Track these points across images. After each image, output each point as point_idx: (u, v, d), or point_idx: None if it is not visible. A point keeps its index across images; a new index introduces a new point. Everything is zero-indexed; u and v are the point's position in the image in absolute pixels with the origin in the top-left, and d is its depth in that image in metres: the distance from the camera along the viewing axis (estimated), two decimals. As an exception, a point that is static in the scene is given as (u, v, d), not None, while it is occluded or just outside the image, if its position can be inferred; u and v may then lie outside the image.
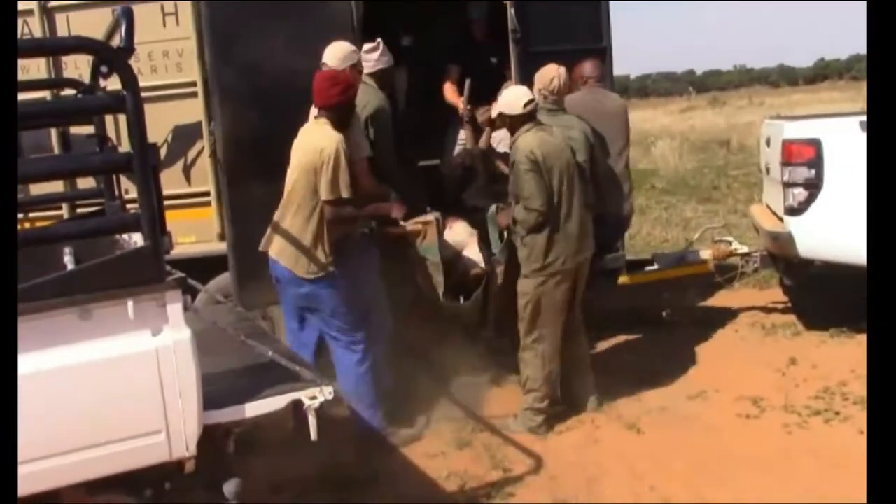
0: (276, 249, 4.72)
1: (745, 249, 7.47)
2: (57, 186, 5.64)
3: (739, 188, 13.48)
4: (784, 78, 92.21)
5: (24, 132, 5.24)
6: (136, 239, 3.24)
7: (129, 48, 2.91)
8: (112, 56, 2.83)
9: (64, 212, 5.99)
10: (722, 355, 6.13)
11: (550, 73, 5.30)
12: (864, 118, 5.77)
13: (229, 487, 3.04)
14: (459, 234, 5.46)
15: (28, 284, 2.62)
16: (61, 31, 5.95)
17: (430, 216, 5.27)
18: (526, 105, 5.00)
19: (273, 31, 5.24)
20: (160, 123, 5.70)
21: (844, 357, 5.73)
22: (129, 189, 4.95)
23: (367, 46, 5.29)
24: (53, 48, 4.37)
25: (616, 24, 6.15)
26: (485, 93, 6.17)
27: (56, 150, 5.72)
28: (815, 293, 6.74)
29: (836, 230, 5.90)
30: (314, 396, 3.16)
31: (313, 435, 3.19)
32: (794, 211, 6.07)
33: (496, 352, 5.66)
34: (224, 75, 5.27)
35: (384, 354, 5.09)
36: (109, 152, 4.33)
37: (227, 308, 4.61)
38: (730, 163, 17.03)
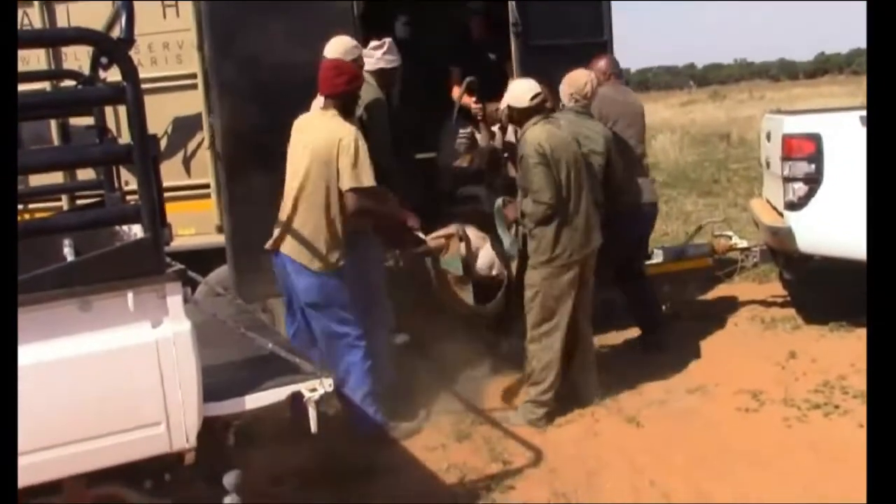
0: (285, 243, 4.69)
1: (744, 244, 7.49)
2: (56, 178, 5.65)
3: (739, 182, 13.48)
4: (784, 72, 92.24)
5: (23, 123, 5.25)
6: (136, 231, 3.24)
7: (129, 39, 2.91)
8: (112, 47, 2.82)
9: (63, 203, 5.99)
10: (722, 349, 6.13)
11: (583, 78, 5.41)
12: (864, 113, 5.77)
13: (229, 479, 3.05)
14: (472, 240, 5.45)
15: (28, 276, 2.62)
16: (61, 23, 5.94)
17: (452, 228, 5.25)
18: (532, 98, 5.02)
19: (272, 25, 5.23)
20: (160, 115, 5.70)
21: (844, 351, 5.73)
22: (128, 181, 4.97)
23: (373, 43, 5.27)
24: (53, 39, 4.36)
25: (617, 20, 6.15)
26: (485, 90, 6.17)
27: (56, 142, 5.73)
28: (814, 287, 6.74)
29: (835, 225, 5.89)
30: (314, 389, 3.16)
31: (313, 427, 3.20)
32: (793, 206, 6.07)
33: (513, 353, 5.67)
34: (223, 69, 5.26)
35: (385, 348, 5.10)
36: (109, 144, 4.35)
37: (226, 300, 4.61)
38: (730, 156, 17.03)
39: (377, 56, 5.28)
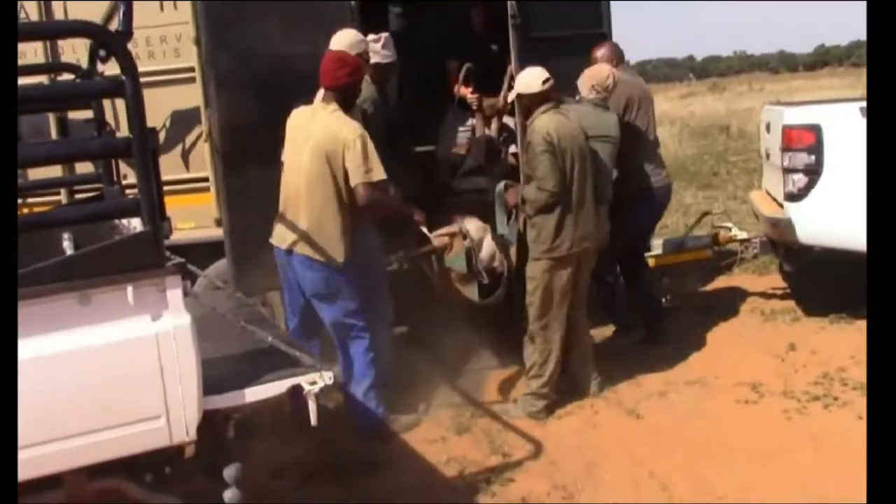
0: (290, 237, 4.68)
1: (744, 235, 7.49)
2: (55, 172, 5.63)
3: (739, 174, 13.47)
4: (784, 64, 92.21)
5: (22, 117, 5.23)
6: (135, 224, 3.24)
7: (127, 32, 2.90)
8: (111, 40, 2.81)
9: (62, 197, 5.98)
10: (721, 341, 6.13)
11: (606, 71, 5.48)
12: (864, 104, 5.76)
13: (229, 472, 3.05)
14: (473, 233, 5.45)
15: (28, 269, 2.62)
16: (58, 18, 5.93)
17: (455, 227, 5.25)
18: (544, 83, 5.05)
19: (269, 16, 5.22)
20: (158, 109, 5.69)
21: (844, 343, 5.74)
22: (127, 174, 4.96)
23: (371, 37, 5.26)
24: (52, 32, 4.36)
25: (616, 12, 6.15)
26: (486, 82, 6.16)
27: (54, 135, 5.72)
28: (814, 279, 6.74)
29: (835, 216, 5.89)
30: (314, 382, 3.16)
31: (313, 420, 3.20)
32: (793, 197, 6.06)
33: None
34: (220, 63, 5.25)
35: (386, 341, 5.10)
36: (109, 137, 4.33)
37: (226, 293, 4.61)
38: (729, 149, 17.01)
39: (373, 50, 5.26)
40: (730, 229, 7.57)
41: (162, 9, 5.85)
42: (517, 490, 4.29)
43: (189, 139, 5.98)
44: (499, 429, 4.99)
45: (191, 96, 5.78)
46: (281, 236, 4.73)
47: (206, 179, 5.86)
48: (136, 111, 2.74)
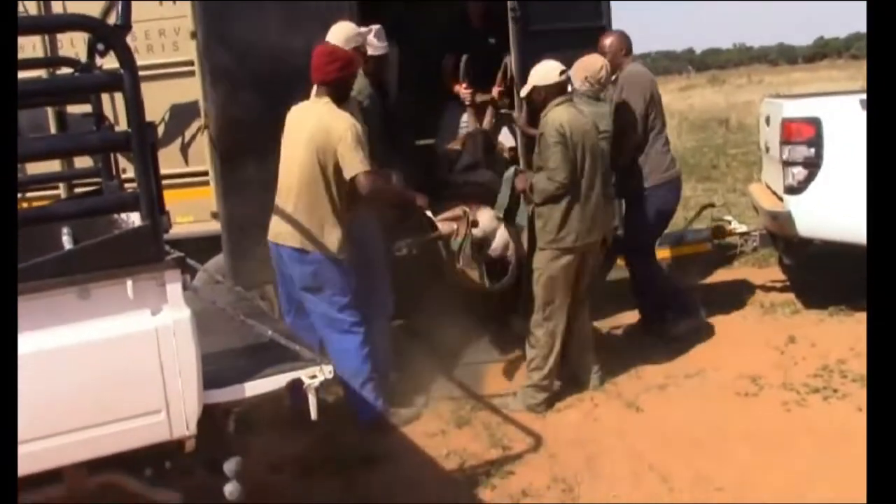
0: (281, 231, 4.68)
1: (744, 228, 7.49)
2: (53, 166, 5.63)
3: (738, 167, 13.45)
4: (783, 56, 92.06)
5: (20, 111, 5.22)
6: (134, 219, 3.23)
7: (126, 26, 2.90)
8: (109, 34, 2.81)
9: (61, 191, 5.98)
10: (721, 334, 6.13)
11: (599, 62, 5.46)
12: (863, 97, 5.75)
13: (229, 466, 3.05)
14: (486, 223, 5.46)
15: (28, 264, 2.62)
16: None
17: (459, 210, 5.23)
18: (560, 74, 5.11)
19: (266, 11, 5.23)
20: (157, 103, 5.67)
21: (843, 335, 5.75)
22: (126, 168, 4.96)
23: (373, 28, 5.25)
24: (50, 26, 4.35)
25: (615, 5, 6.15)
26: (484, 75, 6.16)
27: (53, 130, 5.71)
28: (814, 272, 6.74)
29: (835, 209, 5.89)
30: (314, 375, 3.16)
31: (313, 414, 3.20)
32: (793, 190, 6.06)
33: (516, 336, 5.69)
34: (216, 58, 5.26)
35: (386, 335, 5.10)
36: (107, 131, 4.33)
37: (226, 287, 4.60)
38: (729, 141, 16.99)
39: (376, 44, 5.24)
40: (729, 222, 7.57)
41: (160, 2, 5.83)
42: (517, 483, 4.30)
43: (188, 133, 5.97)
44: (499, 422, 4.99)
45: (190, 90, 5.77)
46: (275, 231, 4.73)
47: (205, 173, 5.85)
48: (135, 105, 2.73)
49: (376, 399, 4.86)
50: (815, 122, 5.95)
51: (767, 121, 6.79)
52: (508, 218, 5.39)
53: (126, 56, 2.72)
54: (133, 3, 2.95)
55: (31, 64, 5.22)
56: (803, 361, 5.49)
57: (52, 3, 5.92)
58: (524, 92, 5.29)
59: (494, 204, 5.45)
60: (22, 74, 3.73)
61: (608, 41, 5.90)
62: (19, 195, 5.60)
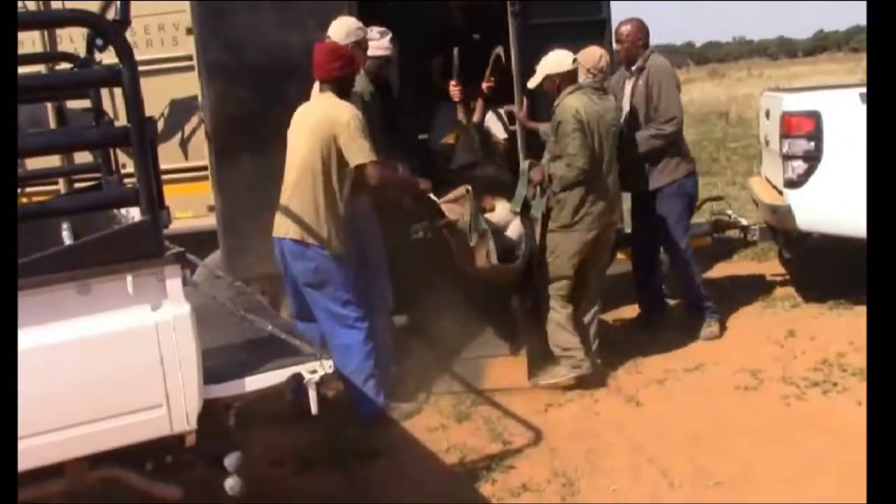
0: (282, 225, 4.69)
1: (744, 222, 7.48)
2: (52, 161, 5.63)
3: (738, 160, 13.44)
4: (783, 50, 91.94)
5: (20, 106, 5.22)
6: (134, 214, 3.23)
7: (125, 21, 2.89)
8: (108, 29, 2.81)
9: (61, 186, 5.98)
10: (719, 325, 6.12)
11: (598, 53, 5.44)
12: (863, 90, 5.75)
13: (230, 461, 3.05)
14: (500, 213, 5.47)
15: (28, 259, 2.62)
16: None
17: (462, 189, 5.23)
18: (574, 62, 5.22)
19: (262, 7, 5.25)
20: (156, 98, 5.67)
21: (843, 329, 5.75)
22: (125, 163, 4.96)
23: (375, 30, 5.24)
24: (49, 21, 4.35)
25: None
26: (472, 71, 6.18)
27: (52, 125, 5.70)
28: (813, 265, 6.74)
29: (835, 203, 5.89)
30: (314, 370, 3.16)
31: (313, 409, 3.20)
32: (793, 183, 6.05)
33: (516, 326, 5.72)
34: (212, 54, 5.27)
35: (385, 329, 5.10)
36: (107, 126, 4.33)
37: (226, 282, 4.61)
38: (728, 135, 16.97)
39: (375, 44, 5.22)
40: (729, 216, 7.56)
41: (159, -2, 5.83)
42: (518, 477, 4.30)
43: (188, 128, 5.97)
44: (499, 416, 4.99)
45: (189, 85, 5.76)
46: (276, 225, 4.74)
47: (204, 168, 5.84)
48: (135, 100, 2.73)
49: (378, 394, 4.87)
50: (815, 116, 5.94)
51: (767, 114, 6.79)
52: (524, 211, 5.43)
53: (125, 51, 2.72)
54: (132, -3, 2.95)
55: (31, 59, 5.21)
56: (803, 355, 5.49)
57: (53, 3, 5.93)
58: (534, 82, 5.32)
59: (507, 197, 5.47)
60: (21, 70, 3.74)
61: (625, 29, 5.90)
62: (19, 190, 5.60)
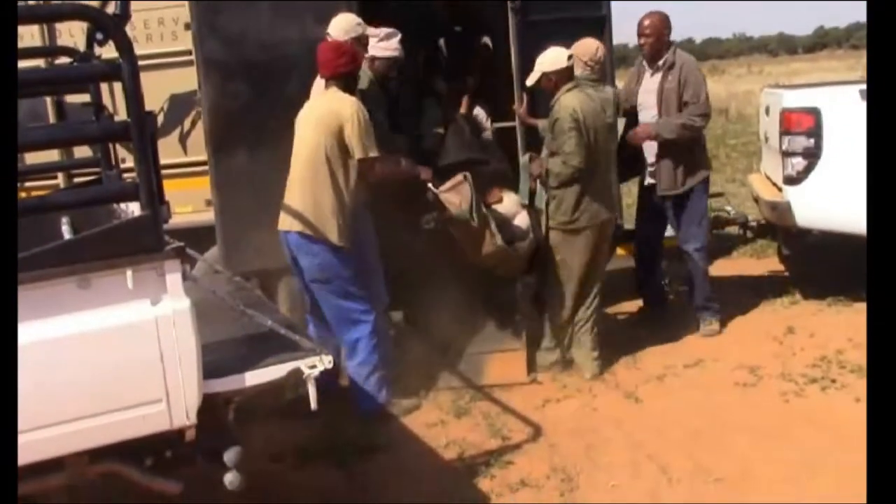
0: (287, 219, 4.72)
1: (743, 218, 7.47)
2: (51, 156, 5.63)
3: (738, 157, 13.44)
4: (783, 46, 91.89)
5: (19, 100, 5.22)
6: (134, 208, 3.23)
7: (125, 15, 2.89)
8: (108, 23, 2.80)
9: (60, 181, 5.97)
10: (719, 324, 6.13)
11: (594, 45, 5.46)
12: (863, 87, 5.74)
13: (230, 456, 3.05)
14: (507, 205, 5.47)
15: (28, 253, 2.62)
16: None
17: (459, 176, 5.22)
18: (569, 59, 5.24)
19: (261, 3, 5.26)
20: (156, 92, 5.67)
21: (841, 326, 5.76)
22: (125, 158, 4.96)
23: (384, 31, 5.23)
24: (49, 15, 4.34)
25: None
26: (457, 64, 6.20)
27: (52, 119, 5.70)
28: (813, 262, 6.74)
29: (834, 199, 5.89)
30: (314, 365, 3.16)
31: (313, 404, 3.20)
32: (792, 180, 6.06)
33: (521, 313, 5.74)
34: (210, 49, 5.28)
35: (383, 325, 5.11)
36: (107, 121, 4.32)
37: (225, 277, 4.61)
38: (728, 132, 16.96)
39: (383, 46, 5.20)
40: (728, 213, 7.56)
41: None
42: (516, 472, 4.31)
43: (187, 123, 5.97)
44: (498, 412, 5.00)
45: (188, 79, 5.76)
46: (282, 219, 4.77)
47: (204, 163, 5.84)
48: (135, 94, 2.73)
49: (380, 390, 4.89)
50: (815, 113, 5.94)
51: (767, 111, 6.79)
52: (530, 202, 5.48)
53: (125, 45, 2.71)
54: (132, -9, 2.95)
55: (30, 53, 5.21)
56: (802, 352, 5.50)
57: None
58: (532, 79, 5.33)
59: (510, 188, 5.53)
60: (21, 64, 3.73)
61: (650, 22, 5.84)
62: (18, 184, 5.59)
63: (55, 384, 2.66)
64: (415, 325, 5.87)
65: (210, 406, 2.98)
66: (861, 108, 5.39)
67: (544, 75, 5.26)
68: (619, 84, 6.35)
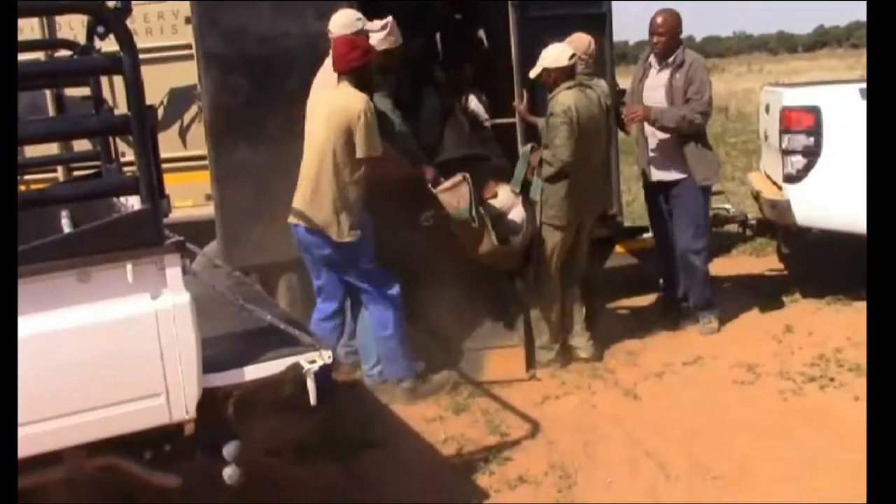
0: (296, 213, 4.77)
1: (742, 216, 7.47)
2: (50, 150, 5.61)
3: (738, 155, 13.44)
4: (783, 45, 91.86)
5: (19, 93, 5.21)
6: (133, 202, 3.23)
7: (126, 8, 2.88)
8: (109, 16, 2.80)
9: (59, 175, 5.97)
10: (718, 322, 6.13)
11: (586, 39, 5.51)
12: (863, 86, 5.74)
13: (229, 450, 3.05)
14: (503, 199, 5.48)
15: (28, 246, 2.62)
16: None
17: (458, 177, 5.23)
18: (570, 58, 5.28)
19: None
20: (156, 86, 5.66)
21: (840, 324, 5.75)
22: (125, 152, 4.95)
23: (378, 23, 5.23)
24: (50, 8, 4.33)
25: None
26: (456, 53, 6.19)
27: (51, 112, 5.69)
28: (812, 261, 6.74)
29: (834, 198, 5.89)
30: (313, 360, 3.16)
31: (312, 399, 3.20)
32: (792, 179, 6.05)
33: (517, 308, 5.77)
34: (210, 44, 5.28)
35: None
36: (108, 114, 4.32)
37: (225, 272, 4.61)
38: (728, 130, 16.95)
39: (381, 37, 5.20)
40: (728, 211, 7.56)
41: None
42: (515, 469, 4.31)
43: (187, 117, 5.97)
44: (497, 408, 5.00)
45: (189, 73, 5.75)
46: (291, 213, 4.82)
47: (204, 157, 5.83)
48: (135, 88, 2.73)
49: (410, 359, 5.09)
50: (815, 111, 5.94)
51: (767, 109, 6.78)
52: (524, 193, 5.48)
53: (126, 39, 2.71)
54: (133, -15, 2.93)
55: (30, 46, 5.20)
56: (800, 350, 5.50)
57: None
58: (534, 73, 5.37)
59: (508, 181, 5.52)
60: (21, 56, 3.73)
61: (662, 20, 5.79)
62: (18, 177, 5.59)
63: (55, 377, 2.67)
64: (415, 320, 5.86)
65: (209, 400, 2.98)
66: (861, 106, 5.39)
67: (545, 70, 5.30)
68: (620, 82, 6.35)
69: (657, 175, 5.93)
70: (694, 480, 4.11)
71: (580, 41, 5.46)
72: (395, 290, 4.97)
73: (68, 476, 2.96)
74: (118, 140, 4.72)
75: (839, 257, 6.05)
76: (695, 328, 6.04)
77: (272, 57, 5.27)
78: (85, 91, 4.43)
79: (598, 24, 5.87)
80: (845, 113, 5.79)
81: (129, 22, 2.86)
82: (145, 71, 2.83)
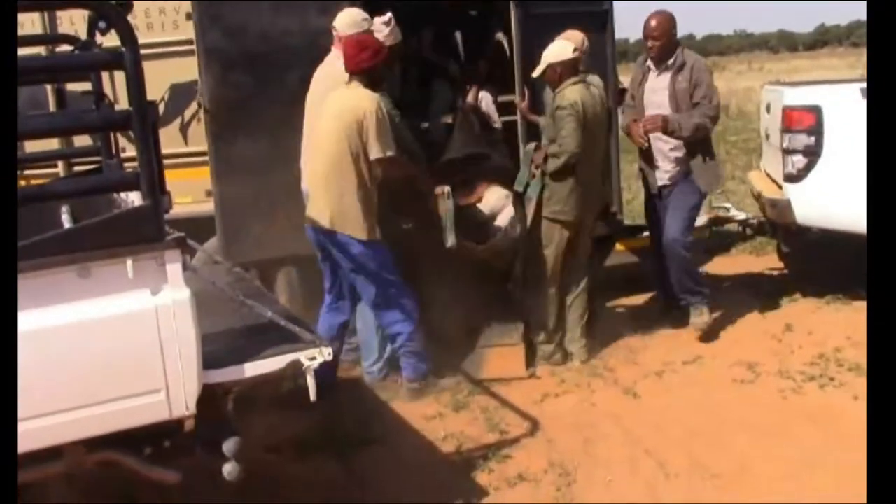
0: (312, 215, 4.77)
1: (742, 215, 7.48)
2: (51, 145, 5.62)
3: (738, 154, 13.43)
4: (784, 44, 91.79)
5: (19, 88, 5.20)
6: (134, 198, 3.23)
7: (127, 4, 2.88)
8: (111, 12, 2.80)
9: (60, 170, 5.96)
10: (718, 321, 6.12)
11: (580, 35, 5.50)
12: (864, 85, 5.74)
13: (229, 446, 3.05)
14: (493, 201, 5.49)
15: (28, 242, 2.62)
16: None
17: (439, 189, 5.23)
18: (574, 51, 5.30)
19: None
20: (157, 82, 5.67)
21: (840, 324, 5.74)
22: (125, 147, 4.95)
23: (379, 19, 5.23)
24: (51, 3, 4.34)
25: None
26: (468, 48, 6.18)
27: (52, 107, 5.68)
28: (812, 260, 6.73)
29: (834, 197, 5.88)
30: (313, 357, 3.16)
31: (312, 396, 3.20)
32: (792, 178, 6.05)
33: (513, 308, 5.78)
34: (211, 37, 5.28)
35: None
36: (109, 110, 4.31)
37: (225, 268, 4.61)
38: (728, 128, 16.93)
39: (385, 33, 5.20)
40: (728, 209, 7.56)
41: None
42: (514, 467, 4.31)
43: (188, 112, 5.97)
44: (496, 406, 5.00)
45: (190, 69, 5.75)
46: (307, 214, 4.82)
47: (204, 153, 5.83)
48: (136, 83, 2.72)
49: (423, 362, 5.08)
50: (816, 111, 5.93)
51: (768, 108, 6.78)
52: (522, 191, 5.50)
53: (127, 34, 2.71)
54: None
55: (31, 41, 5.20)
56: (800, 350, 5.50)
57: None
58: (538, 71, 5.37)
59: (509, 183, 5.56)
60: (22, 51, 3.73)
61: (657, 23, 5.69)
62: (18, 172, 5.58)
63: (55, 373, 2.66)
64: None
65: (209, 396, 2.98)
66: (862, 106, 5.38)
67: (549, 66, 5.31)
68: (622, 79, 6.35)
69: (661, 181, 5.88)
70: (693, 479, 4.11)
71: (574, 37, 5.45)
72: (407, 299, 4.95)
73: (68, 471, 2.96)
74: (119, 135, 4.72)
75: (839, 257, 6.05)
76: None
77: (273, 53, 5.28)
78: (86, 86, 4.42)
79: (600, 21, 5.87)
80: (846, 112, 5.78)
81: (130, 17, 2.85)
82: (146, 67, 2.82)
